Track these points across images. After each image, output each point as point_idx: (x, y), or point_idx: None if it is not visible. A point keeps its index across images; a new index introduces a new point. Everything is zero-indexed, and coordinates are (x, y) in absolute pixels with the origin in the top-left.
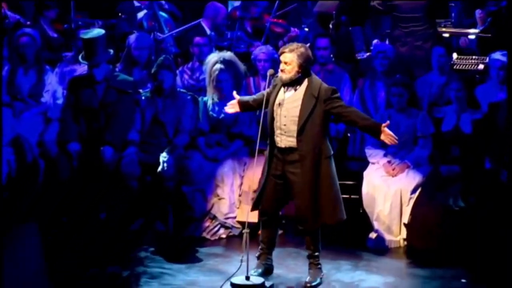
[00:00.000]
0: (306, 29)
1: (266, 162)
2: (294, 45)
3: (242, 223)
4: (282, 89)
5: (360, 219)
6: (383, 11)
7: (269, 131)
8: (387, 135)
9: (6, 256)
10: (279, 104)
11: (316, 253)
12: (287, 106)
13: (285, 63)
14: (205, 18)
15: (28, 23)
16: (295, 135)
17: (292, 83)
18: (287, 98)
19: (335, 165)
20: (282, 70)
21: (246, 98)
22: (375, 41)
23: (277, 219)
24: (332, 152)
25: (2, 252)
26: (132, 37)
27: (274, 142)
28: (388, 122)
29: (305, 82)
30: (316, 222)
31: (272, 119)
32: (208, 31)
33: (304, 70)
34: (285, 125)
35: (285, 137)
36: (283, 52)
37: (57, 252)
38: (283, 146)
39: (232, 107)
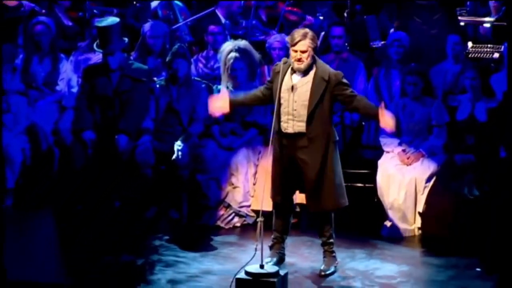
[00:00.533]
0: (321, 18)
1: (273, 151)
2: (302, 30)
3: (256, 212)
4: (289, 73)
5: (374, 208)
6: None
7: (275, 118)
8: (384, 117)
9: (21, 243)
10: (290, 89)
11: (330, 240)
12: (298, 91)
13: (302, 51)
14: (220, 6)
15: (43, 11)
16: (305, 119)
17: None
18: (296, 82)
19: (350, 154)
20: (299, 60)
21: (238, 94)
22: (392, 30)
23: (290, 207)
24: (337, 138)
25: (17, 240)
26: (147, 26)
27: (280, 129)
28: (382, 104)
29: (313, 66)
30: (320, 205)
31: (279, 105)
32: (223, 20)
33: (314, 53)
34: (295, 110)
35: (295, 122)
36: (298, 41)
37: (72, 240)
38: (292, 131)
39: (220, 107)
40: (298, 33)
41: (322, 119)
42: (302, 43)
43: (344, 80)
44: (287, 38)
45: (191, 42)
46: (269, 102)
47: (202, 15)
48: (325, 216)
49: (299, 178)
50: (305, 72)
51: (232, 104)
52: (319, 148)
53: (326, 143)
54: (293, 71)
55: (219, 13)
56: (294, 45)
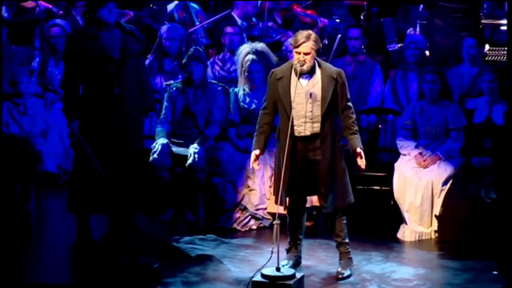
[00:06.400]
0: (338, 20)
1: (284, 154)
2: (305, 32)
3: (272, 215)
4: (294, 78)
5: (391, 210)
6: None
7: (285, 123)
8: (360, 159)
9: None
10: (307, 93)
11: (345, 241)
12: (310, 93)
13: (305, 53)
14: (235, 8)
15: (60, 12)
16: (320, 120)
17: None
18: (306, 85)
19: (366, 157)
20: (302, 61)
21: (258, 138)
22: (409, 30)
23: (304, 208)
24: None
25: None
26: (164, 28)
27: (293, 133)
28: (360, 151)
29: (316, 66)
30: (336, 204)
31: (290, 109)
32: (239, 21)
33: (317, 55)
34: (311, 111)
35: (311, 124)
36: (302, 43)
37: (89, 242)
38: (308, 133)
39: (257, 163)
40: (301, 35)
41: (331, 118)
42: (305, 45)
43: (346, 81)
44: (290, 40)
45: (208, 45)
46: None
47: (218, 18)
48: (339, 217)
49: (310, 180)
50: (311, 74)
51: (263, 150)
52: (329, 147)
53: (336, 142)
54: (298, 74)
55: (235, 15)
56: (297, 47)
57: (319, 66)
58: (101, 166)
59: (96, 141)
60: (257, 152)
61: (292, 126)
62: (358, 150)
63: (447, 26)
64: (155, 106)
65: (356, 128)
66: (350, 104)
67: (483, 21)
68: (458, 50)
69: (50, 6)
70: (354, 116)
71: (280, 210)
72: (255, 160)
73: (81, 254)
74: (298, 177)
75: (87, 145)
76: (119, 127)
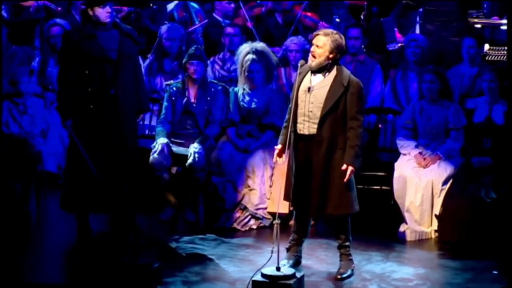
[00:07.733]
0: (338, 20)
1: (291, 152)
2: (329, 30)
3: (272, 214)
4: (309, 75)
5: (391, 210)
6: (415, 6)
7: (292, 119)
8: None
9: (43, 246)
10: (306, 90)
11: (346, 243)
12: (315, 92)
13: (317, 46)
14: (215, 9)
15: (59, 9)
16: (317, 122)
17: (321, 70)
18: (315, 84)
19: (366, 157)
20: (312, 53)
21: (281, 133)
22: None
23: (309, 210)
24: None
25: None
26: (164, 28)
27: (296, 130)
28: (348, 168)
29: (334, 70)
30: (325, 210)
31: (296, 106)
32: (222, 21)
33: (334, 58)
34: (311, 111)
35: (310, 124)
36: (317, 35)
37: (89, 242)
38: (307, 133)
39: (280, 157)
40: (321, 29)
41: (333, 123)
42: (320, 38)
43: (361, 93)
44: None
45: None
46: None
47: (201, 25)
48: (341, 219)
49: (310, 180)
50: (324, 74)
51: (285, 144)
52: (323, 152)
53: (333, 148)
54: (313, 72)
55: (217, 16)
56: (313, 37)
57: (337, 71)
58: (95, 165)
59: (89, 141)
60: (279, 146)
61: (295, 122)
62: (344, 167)
63: (438, 30)
64: (149, 107)
65: (356, 142)
66: (358, 116)
67: (482, 20)
68: (451, 54)
69: (48, 3)
70: (359, 129)
71: (280, 210)
72: (277, 155)
73: (81, 254)
74: (300, 176)
75: (80, 143)
76: (113, 128)
